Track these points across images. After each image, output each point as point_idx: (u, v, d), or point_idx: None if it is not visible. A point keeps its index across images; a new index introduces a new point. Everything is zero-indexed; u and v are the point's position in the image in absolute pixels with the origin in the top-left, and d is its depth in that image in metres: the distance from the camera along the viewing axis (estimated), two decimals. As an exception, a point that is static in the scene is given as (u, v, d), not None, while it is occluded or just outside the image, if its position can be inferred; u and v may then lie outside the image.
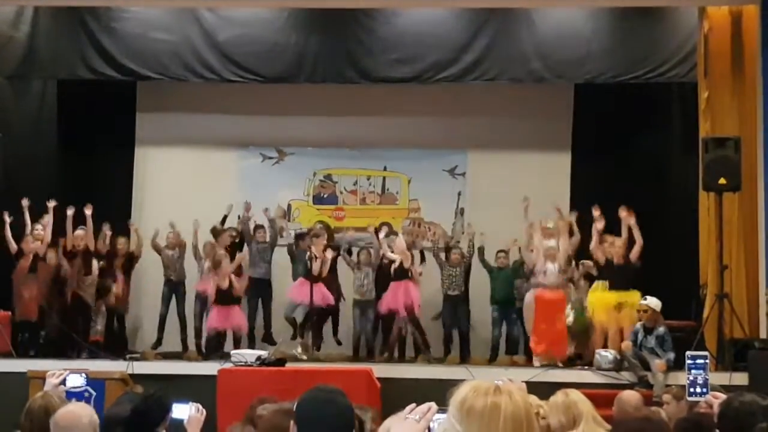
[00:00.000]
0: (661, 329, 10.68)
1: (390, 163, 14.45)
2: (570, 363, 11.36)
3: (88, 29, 12.71)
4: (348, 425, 3.03)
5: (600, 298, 11.35)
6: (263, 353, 10.49)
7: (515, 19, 12.58)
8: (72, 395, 5.39)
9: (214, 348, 11.96)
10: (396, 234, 12.37)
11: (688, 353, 5.03)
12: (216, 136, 14.20)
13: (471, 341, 12.45)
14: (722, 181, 10.96)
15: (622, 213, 11.42)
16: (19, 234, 11.89)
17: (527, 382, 4.32)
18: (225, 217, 12.85)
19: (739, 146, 11.08)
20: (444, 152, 14.30)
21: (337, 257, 12.40)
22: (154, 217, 13.11)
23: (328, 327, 12.54)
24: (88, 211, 12.10)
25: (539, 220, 11.81)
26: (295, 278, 12.41)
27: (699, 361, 4.79)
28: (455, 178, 14.24)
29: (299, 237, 12.76)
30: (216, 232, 12.46)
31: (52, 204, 12.00)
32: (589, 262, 11.74)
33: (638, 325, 10.80)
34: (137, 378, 10.09)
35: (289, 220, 13.96)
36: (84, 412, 4.14)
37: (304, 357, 11.55)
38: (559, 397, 4.97)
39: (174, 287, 12.68)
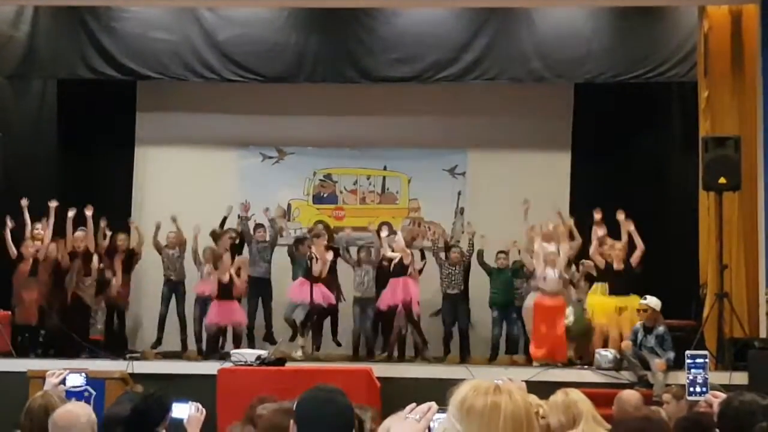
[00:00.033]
0: (661, 329, 10.68)
1: (390, 163, 14.45)
2: (570, 363, 11.35)
3: (88, 29, 12.71)
4: (348, 425, 3.03)
5: (599, 302, 11.34)
6: (263, 353, 10.49)
7: (515, 19, 12.59)
8: (72, 395, 5.39)
9: (213, 347, 11.97)
10: (396, 234, 12.37)
11: (688, 352, 5.03)
12: (216, 135, 14.20)
13: (471, 341, 12.45)
14: (722, 180, 10.96)
15: (620, 216, 11.41)
16: (19, 233, 11.87)
17: (527, 382, 4.32)
18: (224, 219, 12.84)
19: (739, 146, 11.09)
20: (444, 152, 14.30)
21: (336, 258, 12.39)
22: (153, 217, 13.08)
23: (327, 328, 12.53)
24: (88, 213, 12.09)
25: (539, 224, 11.78)
26: (294, 278, 12.42)
27: (699, 360, 4.79)
28: (455, 178, 14.24)
29: (299, 241, 12.73)
30: (215, 236, 12.44)
31: (53, 204, 11.99)
32: (590, 262, 11.74)
33: (638, 324, 10.80)
34: (137, 377, 10.10)
35: (289, 220, 13.97)
36: (82, 411, 4.14)
37: (300, 356, 11.55)
38: (558, 396, 4.97)
39: (174, 287, 12.68)
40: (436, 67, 12.62)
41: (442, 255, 12.50)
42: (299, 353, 11.65)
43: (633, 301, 11.07)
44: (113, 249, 12.55)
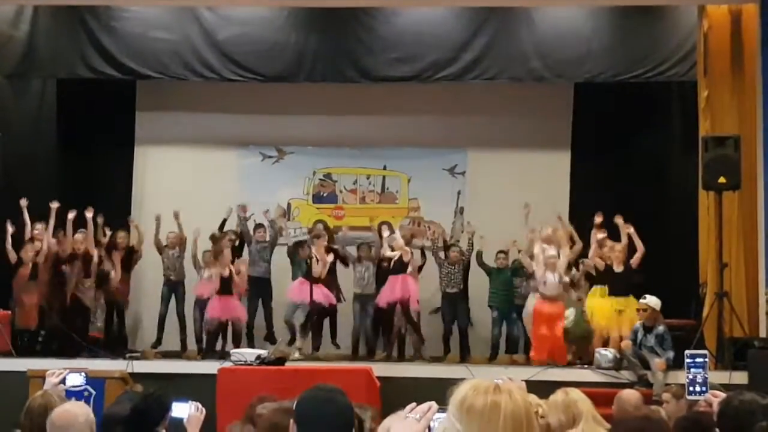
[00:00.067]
0: (661, 328, 10.68)
1: (390, 162, 14.45)
2: (570, 362, 11.35)
3: (88, 28, 12.71)
4: (348, 424, 3.03)
5: (599, 304, 11.32)
6: (263, 352, 10.50)
7: (515, 18, 12.59)
8: (72, 394, 5.39)
9: (213, 343, 11.98)
10: (394, 232, 12.38)
11: (688, 352, 5.03)
12: (216, 135, 14.20)
13: (471, 340, 12.45)
14: (722, 179, 10.96)
15: (618, 221, 11.40)
16: (19, 235, 11.85)
17: (527, 381, 4.32)
18: (224, 221, 12.81)
19: (738, 145, 11.09)
20: (444, 151, 14.30)
21: (336, 260, 12.36)
22: (153, 217, 13.08)
23: (327, 329, 12.50)
24: (88, 214, 12.04)
25: (539, 228, 11.78)
26: (294, 279, 12.41)
27: (698, 359, 4.79)
28: (455, 177, 14.24)
29: (298, 244, 12.72)
30: (215, 240, 12.42)
31: (54, 205, 11.98)
32: (590, 262, 11.73)
33: (638, 324, 10.79)
34: (137, 377, 10.10)
35: (288, 219, 13.95)
36: (80, 410, 4.14)
37: (299, 357, 11.56)
38: (558, 395, 4.97)
39: (173, 287, 12.67)
40: (436, 66, 12.62)
41: (442, 254, 12.50)
42: (297, 354, 11.64)
43: (632, 303, 11.07)
44: (113, 246, 12.54)
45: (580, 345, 11.54)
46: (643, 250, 11.24)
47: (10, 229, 11.73)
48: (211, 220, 12.81)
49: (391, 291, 11.82)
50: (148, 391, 5.65)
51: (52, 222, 11.96)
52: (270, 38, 12.71)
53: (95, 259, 12.10)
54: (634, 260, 11.25)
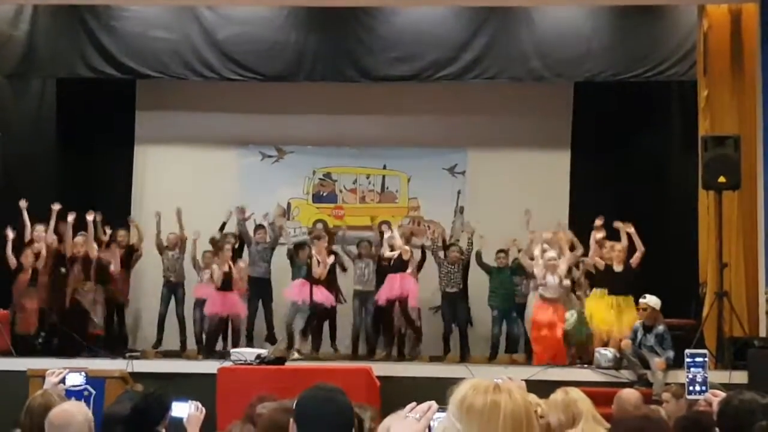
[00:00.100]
0: (661, 327, 10.68)
1: (389, 162, 14.45)
2: (570, 362, 11.36)
3: (88, 28, 12.71)
4: (347, 424, 3.03)
5: (598, 307, 11.30)
6: (263, 352, 10.50)
7: (515, 18, 12.59)
8: (71, 394, 5.40)
9: (213, 340, 11.98)
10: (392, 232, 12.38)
11: (688, 351, 5.04)
12: (215, 134, 14.20)
13: (470, 339, 12.44)
14: (722, 179, 10.96)
15: (617, 225, 11.38)
16: (18, 236, 11.82)
17: (527, 381, 4.33)
18: (224, 224, 12.79)
19: (738, 144, 11.09)
20: (444, 151, 14.30)
21: (335, 263, 12.35)
22: (153, 216, 13.08)
23: (326, 332, 12.49)
24: (89, 217, 11.99)
25: (539, 232, 11.78)
26: (294, 280, 12.41)
27: (698, 359, 4.79)
28: (455, 177, 14.24)
29: (298, 246, 12.73)
30: (215, 243, 12.42)
31: (56, 207, 11.95)
32: (590, 261, 11.72)
33: (638, 323, 10.79)
34: (137, 376, 10.10)
35: (288, 219, 13.95)
36: (78, 410, 4.14)
37: (297, 356, 11.56)
38: (558, 395, 4.97)
39: (173, 288, 12.66)
40: (436, 66, 12.62)
41: (441, 254, 12.50)
42: (296, 355, 11.64)
43: (632, 302, 11.06)
44: (113, 242, 12.53)
45: (579, 348, 11.54)
46: (642, 250, 11.23)
47: (10, 234, 11.71)
48: (211, 219, 12.82)
49: (390, 289, 11.85)
50: (149, 391, 5.66)
51: (52, 223, 11.93)
52: (270, 38, 12.71)
53: (94, 252, 12.03)
54: (634, 260, 11.24)
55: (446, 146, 14.27)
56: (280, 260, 12.79)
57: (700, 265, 11.62)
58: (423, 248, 12.93)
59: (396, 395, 8.67)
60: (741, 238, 11.39)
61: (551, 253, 11.49)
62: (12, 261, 11.71)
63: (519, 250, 12.27)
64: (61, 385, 5.15)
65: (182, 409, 5.16)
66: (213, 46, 12.70)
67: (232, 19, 12.77)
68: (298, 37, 12.67)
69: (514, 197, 13.52)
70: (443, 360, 12.16)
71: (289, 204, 14.26)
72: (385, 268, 12.12)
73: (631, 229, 11.31)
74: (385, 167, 14.46)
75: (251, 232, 12.75)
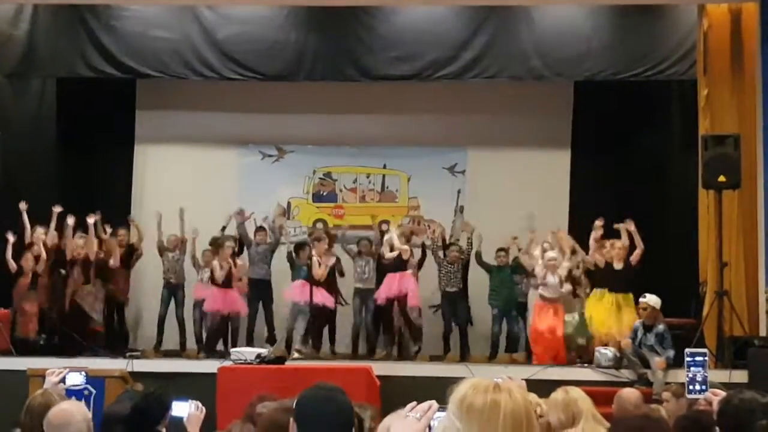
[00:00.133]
0: (661, 327, 10.68)
1: (390, 161, 14.45)
2: (570, 361, 11.36)
3: (88, 27, 12.71)
4: (347, 423, 3.03)
5: (598, 310, 11.29)
6: (263, 351, 10.51)
7: (515, 17, 12.59)
8: (72, 393, 5.40)
9: (214, 339, 11.97)
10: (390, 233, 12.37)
11: (688, 350, 5.02)
12: (215, 134, 14.20)
13: (471, 339, 12.44)
14: (722, 178, 10.96)
15: (617, 226, 11.37)
16: (18, 238, 11.81)
17: (527, 380, 4.33)
18: (223, 229, 12.76)
19: (738, 143, 11.09)
20: (444, 150, 14.30)
21: (335, 265, 12.33)
22: (153, 216, 13.08)
23: (325, 335, 12.49)
24: (90, 220, 11.98)
25: (540, 233, 11.79)
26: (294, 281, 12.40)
27: (698, 358, 4.78)
28: (455, 176, 14.24)
29: (299, 246, 12.73)
30: (215, 242, 12.41)
31: (57, 209, 11.93)
32: (590, 259, 11.72)
33: (638, 322, 10.79)
34: (137, 376, 10.10)
35: (288, 218, 13.95)
36: (77, 409, 4.14)
37: (297, 355, 11.57)
38: (559, 394, 4.97)
39: (173, 290, 12.63)
40: (436, 65, 12.62)
41: (441, 254, 12.50)
42: (296, 355, 11.64)
43: (632, 300, 11.06)
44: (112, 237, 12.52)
45: (579, 350, 11.55)
46: (642, 248, 11.23)
47: (11, 238, 11.70)
48: (211, 219, 12.81)
49: (389, 288, 11.85)
50: (149, 390, 5.66)
51: (52, 226, 11.90)
52: (270, 37, 12.71)
53: (94, 257, 12.04)
54: (634, 257, 11.24)
55: (446, 145, 14.27)
56: (280, 262, 12.77)
57: (700, 264, 11.62)
58: (423, 247, 12.94)
59: (396, 394, 8.67)
60: (741, 237, 11.39)
61: (552, 253, 11.49)
62: (12, 265, 11.70)
63: (519, 249, 12.28)
64: (61, 384, 5.15)
65: (182, 409, 5.16)
66: (213, 46, 12.70)
67: (232, 18, 12.77)
68: (298, 36, 12.67)
69: (514, 196, 13.53)
70: (443, 359, 12.16)
71: (289, 203, 14.26)
72: (385, 267, 12.13)
73: (632, 227, 11.30)
74: (385, 167, 14.46)
75: (251, 234, 12.73)
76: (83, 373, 6.01)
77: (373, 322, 12.35)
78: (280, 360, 10.36)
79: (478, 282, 12.59)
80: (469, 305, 12.57)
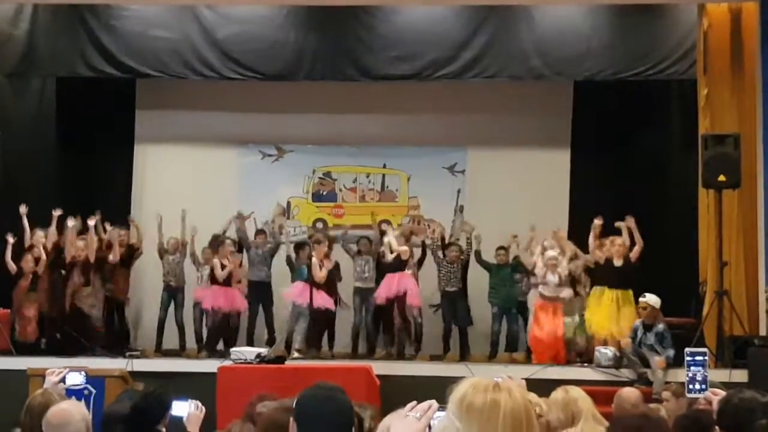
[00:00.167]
0: (661, 326, 10.69)
1: (389, 161, 14.44)
2: (570, 360, 11.37)
3: (88, 27, 12.71)
4: (347, 422, 3.03)
5: (598, 310, 11.29)
6: (263, 350, 10.51)
7: (515, 16, 12.59)
8: (72, 393, 5.40)
9: (215, 338, 11.97)
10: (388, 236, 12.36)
11: (688, 350, 5.03)
12: (215, 133, 14.20)
13: (470, 338, 12.44)
14: (722, 178, 10.96)
15: (619, 225, 11.37)
16: (18, 240, 11.80)
17: (527, 380, 4.33)
18: (224, 233, 12.74)
19: (738, 143, 11.09)
20: (444, 149, 14.30)
21: (334, 269, 12.33)
22: (153, 215, 13.07)
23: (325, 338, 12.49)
24: (91, 222, 11.97)
25: (540, 232, 11.80)
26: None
27: (698, 357, 4.78)
28: (455, 176, 14.24)
29: (299, 246, 12.73)
30: (215, 240, 12.39)
31: (57, 213, 11.91)
32: (590, 258, 11.72)
33: (638, 322, 10.80)
34: (137, 375, 10.11)
35: (288, 218, 13.96)
36: (76, 409, 4.14)
37: (297, 355, 11.57)
38: (559, 393, 4.97)
39: (173, 293, 12.59)
40: (436, 64, 12.62)
41: (440, 253, 12.50)
42: (295, 354, 11.65)
43: (632, 297, 11.06)
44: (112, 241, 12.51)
45: (579, 350, 11.56)
46: (641, 244, 11.24)
47: (10, 240, 11.69)
48: (211, 218, 12.81)
49: (388, 288, 11.85)
50: (149, 390, 5.66)
51: (52, 230, 11.85)
52: (269, 37, 12.71)
53: (94, 252, 12.02)
54: (633, 254, 11.24)
55: (446, 145, 14.27)
56: (280, 265, 12.76)
57: (700, 263, 11.62)
58: (423, 245, 12.95)
59: (396, 394, 8.68)
60: (741, 236, 11.39)
61: (552, 252, 11.49)
62: (11, 266, 11.69)
63: (518, 246, 12.28)
64: (61, 384, 5.15)
65: (182, 408, 5.16)
66: (213, 45, 12.70)
67: (232, 18, 12.77)
68: (297, 36, 12.67)
69: (514, 196, 13.54)
70: (443, 359, 12.15)
71: (288, 203, 14.26)
72: (384, 267, 12.13)
73: (632, 224, 11.29)
74: (385, 166, 14.45)
75: (251, 235, 12.71)
76: (83, 372, 6.01)
77: (373, 322, 12.34)
78: (280, 359, 10.36)
79: (478, 282, 12.58)
80: (469, 305, 12.57)
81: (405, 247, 12.01)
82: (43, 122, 13.61)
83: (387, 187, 14.44)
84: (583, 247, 11.69)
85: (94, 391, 8.65)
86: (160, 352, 12.45)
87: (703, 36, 11.81)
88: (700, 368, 4.74)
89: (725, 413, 3.95)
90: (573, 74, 12.94)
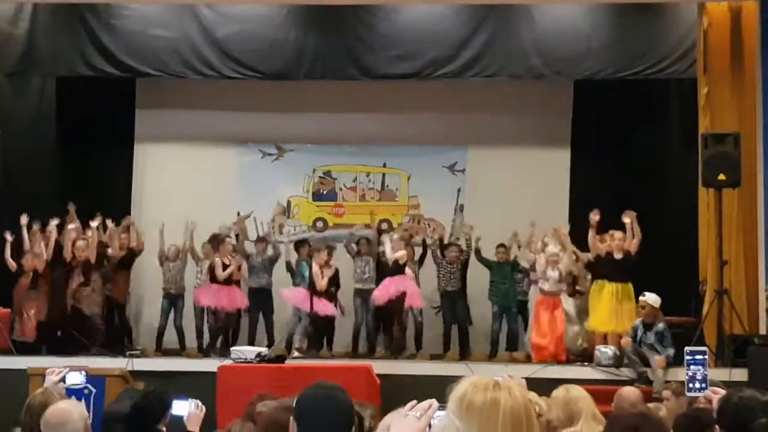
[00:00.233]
0: (661, 325, 10.69)
1: (389, 160, 14.45)
2: (570, 359, 11.37)
3: (88, 26, 12.71)
4: (348, 422, 3.03)
5: (599, 309, 11.29)
6: (263, 350, 10.51)
7: (515, 16, 12.59)
8: (72, 392, 5.40)
9: (217, 338, 11.96)
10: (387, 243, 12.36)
11: (687, 349, 5.03)
12: (215, 132, 14.20)
13: (471, 337, 12.44)
14: (722, 177, 10.96)
15: (626, 220, 11.38)
16: (18, 241, 11.81)
17: (527, 379, 4.33)
18: (223, 239, 12.75)
19: (738, 142, 11.09)
20: (444, 149, 14.30)
21: (336, 274, 12.32)
22: (153, 214, 13.08)
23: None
24: (93, 224, 11.96)
25: (542, 236, 11.81)
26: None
27: (698, 356, 4.78)
28: (455, 175, 14.24)
29: (299, 244, 12.71)
30: (215, 238, 12.38)
31: (54, 222, 11.85)
32: (589, 256, 11.72)
33: (638, 321, 10.80)
34: (137, 375, 10.10)
35: (288, 217, 13.96)
36: (75, 408, 4.14)
37: (297, 354, 11.58)
38: (560, 392, 4.97)
39: (173, 300, 12.57)
40: (436, 63, 12.62)
41: (439, 254, 12.49)
42: (296, 354, 11.65)
43: (632, 291, 11.06)
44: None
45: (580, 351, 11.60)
46: (640, 236, 11.25)
47: (9, 238, 11.68)
48: (211, 218, 12.81)
49: (386, 290, 11.84)
50: (149, 389, 5.66)
51: (53, 239, 11.80)
52: (269, 36, 12.71)
53: (95, 253, 12.01)
54: (633, 246, 11.24)
55: (446, 144, 14.27)
56: (280, 271, 12.74)
57: (700, 262, 11.62)
58: (424, 243, 12.95)
59: (396, 393, 8.67)
60: (741, 235, 11.39)
61: (553, 248, 11.50)
62: (11, 264, 11.68)
63: (519, 247, 12.29)
64: (62, 383, 5.15)
65: (182, 408, 5.17)
66: (212, 45, 12.70)
67: (232, 17, 12.77)
68: (297, 35, 12.66)
69: (514, 195, 13.54)
70: (443, 358, 12.16)
71: (289, 202, 14.26)
72: (384, 268, 12.12)
73: (632, 218, 11.28)
74: (385, 165, 14.46)
75: (251, 236, 12.71)
76: (83, 372, 6.01)
77: (374, 321, 12.34)
78: (280, 359, 10.36)
79: (478, 281, 12.58)
80: (468, 305, 12.57)
81: (402, 252, 11.96)
82: (43, 122, 13.61)
83: (387, 186, 14.44)
84: (584, 244, 11.69)
85: (94, 390, 8.65)
86: (161, 351, 12.46)
87: (703, 35, 11.80)
88: (700, 367, 4.74)
89: (725, 412, 3.95)
90: (573, 73, 12.94)
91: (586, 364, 11.04)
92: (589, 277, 11.71)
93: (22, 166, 12.65)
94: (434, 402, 2.68)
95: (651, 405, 6.45)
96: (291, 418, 3.02)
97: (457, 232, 13.04)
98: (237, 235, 12.77)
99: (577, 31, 12.55)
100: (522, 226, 12.26)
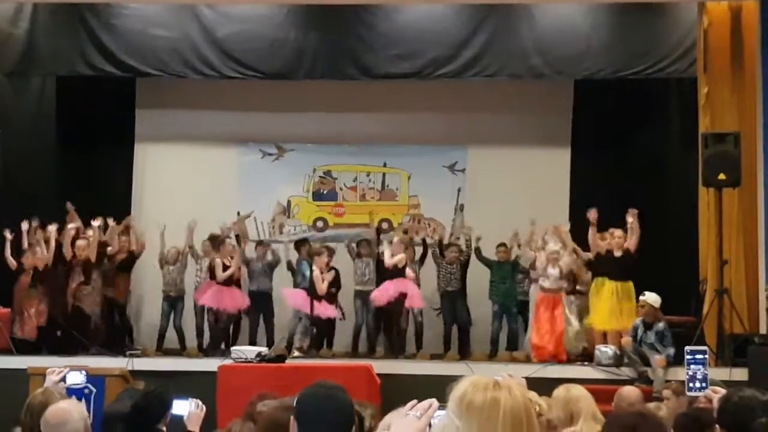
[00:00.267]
0: (661, 325, 10.69)
1: (390, 160, 14.45)
2: (570, 359, 11.37)
3: (88, 26, 12.71)
4: (348, 421, 3.03)
5: (599, 308, 11.29)
6: (263, 350, 10.51)
7: (515, 15, 12.59)
8: (72, 392, 5.40)
9: (220, 339, 11.96)
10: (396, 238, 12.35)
11: (688, 348, 5.03)
12: (215, 132, 14.20)
13: (471, 337, 12.44)
14: (722, 176, 10.96)
15: (629, 218, 11.39)
16: (18, 242, 11.80)
17: (527, 378, 4.33)
18: (223, 241, 12.75)
19: (738, 141, 11.09)
20: (444, 148, 14.30)
21: (336, 277, 12.32)
22: (153, 214, 13.07)
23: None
24: (95, 223, 11.96)
25: (543, 233, 11.82)
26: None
27: (698, 356, 4.78)
28: (455, 174, 14.24)
29: (300, 243, 12.68)
30: (215, 238, 12.38)
31: (53, 227, 11.86)
32: (589, 254, 11.72)
33: (638, 320, 10.80)
34: (137, 374, 10.10)
35: (288, 217, 13.96)
36: (74, 408, 4.14)
37: (297, 354, 11.58)
38: (561, 391, 4.97)
39: (173, 303, 12.57)
40: (436, 63, 12.62)
41: (439, 254, 12.49)
42: (296, 353, 11.65)
43: (632, 289, 11.05)
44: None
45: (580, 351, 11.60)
46: (639, 233, 11.24)
47: (8, 236, 11.68)
48: (211, 218, 12.80)
49: (386, 292, 11.83)
50: (149, 389, 5.67)
51: (53, 243, 11.79)
52: (269, 35, 12.70)
53: (95, 253, 12.01)
54: (632, 244, 11.24)
55: (446, 144, 14.27)
56: (281, 272, 12.71)
57: (700, 262, 11.62)
58: (424, 242, 12.94)
59: (396, 393, 8.67)
60: (741, 235, 11.39)
61: (553, 246, 11.50)
62: (11, 262, 11.68)
63: (519, 246, 12.28)
64: (62, 383, 5.16)
65: (183, 407, 5.17)
66: (213, 44, 12.70)
67: (232, 17, 12.76)
68: (297, 34, 12.66)
69: (515, 195, 13.54)
70: (443, 358, 12.17)
71: (289, 202, 14.27)
72: (385, 269, 12.11)
73: (634, 218, 11.28)
74: (385, 165, 14.46)
75: (251, 236, 12.71)
76: (84, 371, 6.01)
77: (374, 321, 12.34)
78: (280, 358, 10.36)
79: (478, 281, 12.59)
80: (468, 305, 12.56)
81: (400, 256, 11.94)
82: (43, 121, 13.61)
83: (387, 185, 14.44)
84: (584, 244, 11.69)
85: (94, 390, 8.65)
86: (161, 351, 12.46)
87: (703, 34, 11.80)
88: (701, 366, 4.74)
89: (725, 411, 3.95)
90: (573, 73, 12.94)
91: (586, 363, 11.04)
92: (590, 275, 11.71)
93: (22, 166, 12.65)
94: (434, 401, 2.68)
95: (651, 404, 6.44)
96: (291, 417, 3.02)
97: (458, 231, 13.03)
98: (237, 236, 12.76)
99: (577, 30, 12.54)
100: (522, 226, 12.27)
